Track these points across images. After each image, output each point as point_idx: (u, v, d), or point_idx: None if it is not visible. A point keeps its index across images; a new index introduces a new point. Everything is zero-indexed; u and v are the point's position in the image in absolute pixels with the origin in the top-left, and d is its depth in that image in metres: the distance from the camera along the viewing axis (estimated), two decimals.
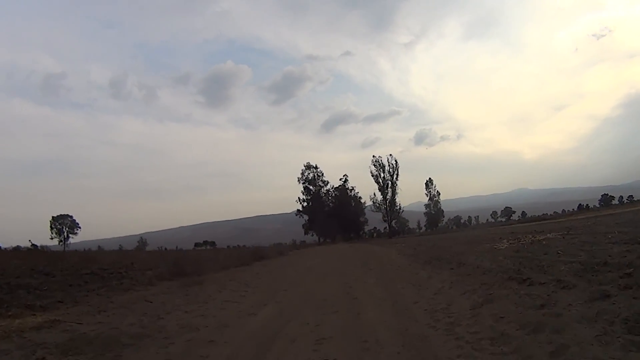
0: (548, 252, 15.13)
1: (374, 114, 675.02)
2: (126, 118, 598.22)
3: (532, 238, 22.55)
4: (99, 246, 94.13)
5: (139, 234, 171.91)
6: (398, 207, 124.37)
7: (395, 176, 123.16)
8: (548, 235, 23.18)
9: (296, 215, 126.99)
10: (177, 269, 22.00)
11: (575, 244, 15.96)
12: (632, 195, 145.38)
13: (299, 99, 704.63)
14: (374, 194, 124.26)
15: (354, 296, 13.82)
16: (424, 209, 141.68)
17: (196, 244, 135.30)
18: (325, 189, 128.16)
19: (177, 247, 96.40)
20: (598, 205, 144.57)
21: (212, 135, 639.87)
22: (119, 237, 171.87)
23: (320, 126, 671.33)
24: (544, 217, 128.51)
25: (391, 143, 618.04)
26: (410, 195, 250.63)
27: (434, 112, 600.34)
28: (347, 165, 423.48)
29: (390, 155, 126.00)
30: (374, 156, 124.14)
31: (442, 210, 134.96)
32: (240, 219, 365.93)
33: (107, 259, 26.71)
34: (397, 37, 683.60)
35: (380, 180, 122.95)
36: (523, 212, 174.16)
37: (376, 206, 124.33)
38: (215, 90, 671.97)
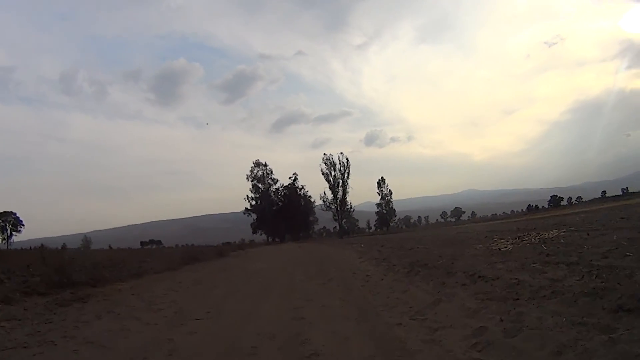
0: (608, 254, 10.63)
1: (325, 115, 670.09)
2: (76, 114, 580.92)
3: (540, 236, 18.20)
4: (41, 244, 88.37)
5: (87, 232, 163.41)
6: (349, 207, 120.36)
7: (346, 175, 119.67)
8: (553, 232, 19.25)
9: (244, 213, 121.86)
10: (62, 278, 15.29)
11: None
12: (580, 197, 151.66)
13: (250, 98, 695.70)
14: (324, 192, 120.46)
15: (310, 341, 7.77)
16: (373, 209, 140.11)
17: (142, 243, 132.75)
18: (274, 187, 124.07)
19: (109, 246, 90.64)
20: (547, 206, 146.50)
21: (163, 133, 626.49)
22: (66, 235, 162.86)
23: (271, 126, 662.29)
24: (495, 217, 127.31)
25: (342, 144, 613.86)
26: (359, 195, 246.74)
27: (385, 113, 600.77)
28: (297, 165, 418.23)
29: (342, 153, 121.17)
30: (325, 154, 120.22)
31: (394, 210, 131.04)
32: (191, 217, 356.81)
33: None
34: (351, 38, 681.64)
35: (331, 179, 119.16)
36: (473, 212, 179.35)
37: (326, 205, 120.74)
38: (166, 88, 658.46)
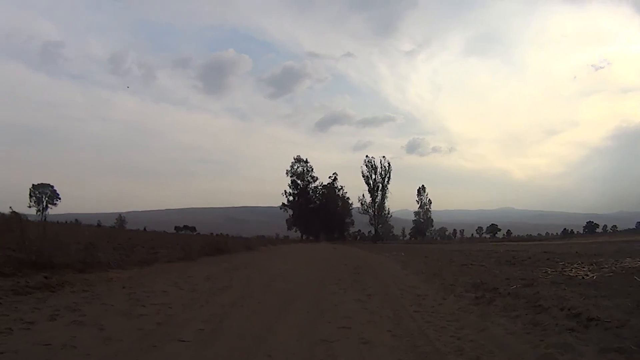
0: None
1: (369, 118, 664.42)
2: (122, 95, 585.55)
3: (619, 264, 16.21)
4: (76, 219, 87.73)
5: (124, 212, 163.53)
6: (386, 212, 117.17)
7: (386, 179, 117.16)
8: (627, 260, 17.27)
9: (281, 208, 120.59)
10: (39, 257, 12.16)
11: None
12: (615, 225, 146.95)
13: (295, 95, 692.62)
14: (363, 195, 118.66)
15: None
16: (409, 217, 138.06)
17: (176, 228, 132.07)
18: (313, 185, 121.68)
19: (144, 228, 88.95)
20: (582, 232, 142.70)
21: (206, 121, 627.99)
22: (102, 213, 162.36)
23: (315, 124, 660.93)
24: (531, 238, 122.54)
25: (383, 148, 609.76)
26: (396, 202, 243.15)
27: (429, 122, 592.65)
28: (337, 166, 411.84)
29: (384, 157, 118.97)
30: (367, 156, 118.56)
31: (432, 220, 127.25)
32: (228, 207, 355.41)
33: None
34: (400, 44, 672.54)
35: (371, 182, 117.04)
36: (508, 230, 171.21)
37: (364, 208, 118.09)
38: (214, 77, 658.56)
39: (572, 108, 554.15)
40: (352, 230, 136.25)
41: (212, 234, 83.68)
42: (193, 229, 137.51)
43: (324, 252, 39.42)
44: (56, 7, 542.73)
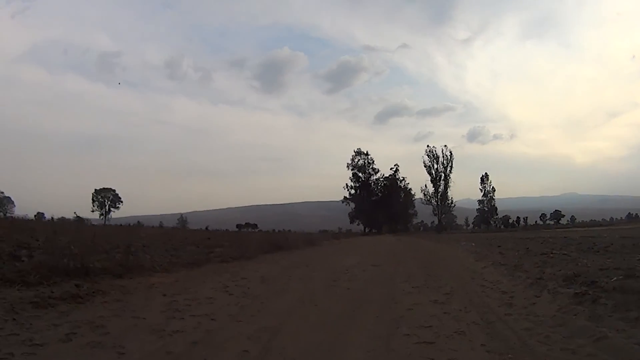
0: None
1: (427, 108, 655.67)
2: (180, 98, 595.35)
3: None
4: (138, 221, 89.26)
5: (186, 212, 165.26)
6: (449, 201, 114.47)
7: (449, 168, 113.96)
8: None
9: (342, 202, 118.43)
10: (70, 262, 10.74)
11: None
12: None
13: (353, 89, 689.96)
14: (425, 185, 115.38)
15: None
16: (472, 206, 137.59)
17: (238, 226, 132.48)
18: (374, 177, 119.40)
19: (206, 227, 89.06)
20: None
21: (265, 120, 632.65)
22: (165, 214, 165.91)
23: (374, 117, 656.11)
24: (595, 224, 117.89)
25: (444, 138, 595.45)
26: (459, 191, 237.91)
27: (488, 110, 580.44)
28: (398, 157, 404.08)
29: (445, 146, 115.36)
30: (428, 146, 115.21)
31: (496, 208, 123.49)
32: (289, 203, 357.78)
33: None
34: (455, 32, 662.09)
35: (433, 172, 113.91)
36: (572, 216, 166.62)
37: (426, 199, 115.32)
38: (270, 76, 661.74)
39: (633, 88, 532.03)
40: (415, 221, 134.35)
41: (274, 230, 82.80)
42: (255, 226, 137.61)
43: (388, 245, 37.64)
44: (110, 19, 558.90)
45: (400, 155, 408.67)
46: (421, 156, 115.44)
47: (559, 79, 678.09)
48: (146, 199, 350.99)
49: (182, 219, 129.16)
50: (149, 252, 16.13)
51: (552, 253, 17.42)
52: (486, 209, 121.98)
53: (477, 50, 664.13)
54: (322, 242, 39.16)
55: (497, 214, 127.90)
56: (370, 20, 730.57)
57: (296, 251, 27.20)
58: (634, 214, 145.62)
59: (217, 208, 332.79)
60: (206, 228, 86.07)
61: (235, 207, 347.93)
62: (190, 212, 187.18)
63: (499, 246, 23.53)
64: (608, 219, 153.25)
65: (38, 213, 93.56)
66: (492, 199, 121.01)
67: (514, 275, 12.90)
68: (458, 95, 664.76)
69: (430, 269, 15.96)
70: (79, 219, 77.95)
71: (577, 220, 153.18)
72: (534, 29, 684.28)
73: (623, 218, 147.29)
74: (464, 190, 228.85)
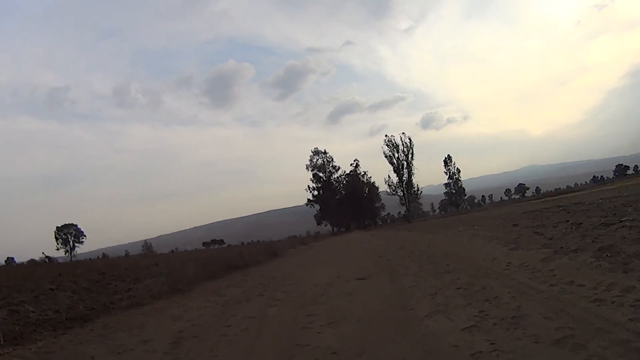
0: None
1: (378, 102, 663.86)
2: (133, 125, 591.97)
3: None
4: (103, 254, 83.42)
5: (153, 238, 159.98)
6: (416, 189, 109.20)
7: (410, 155, 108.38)
8: None
9: (306, 205, 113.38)
10: None
11: None
12: None
13: (303, 92, 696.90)
14: (389, 176, 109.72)
15: None
16: (435, 192, 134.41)
17: (204, 244, 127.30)
18: (336, 175, 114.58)
19: (172, 250, 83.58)
20: (612, 177, 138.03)
21: (219, 134, 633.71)
22: (132, 243, 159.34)
23: (327, 117, 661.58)
24: (561, 192, 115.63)
25: (398, 129, 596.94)
26: (420, 179, 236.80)
27: (439, 95, 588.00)
28: (356, 154, 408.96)
29: (403, 133, 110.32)
30: (386, 135, 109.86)
31: (464, 189, 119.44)
32: (255, 214, 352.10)
33: None
34: (397, 23, 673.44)
35: (395, 161, 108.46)
36: (537, 187, 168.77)
37: (392, 189, 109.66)
38: (219, 90, 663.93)
39: (581, 54, 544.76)
40: (382, 214, 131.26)
41: (242, 243, 77.97)
42: (221, 242, 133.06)
43: (366, 244, 31.15)
44: (53, 54, 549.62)
45: (357, 151, 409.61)
46: (380, 147, 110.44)
47: (504, 55, 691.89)
48: (111, 229, 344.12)
49: (147, 245, 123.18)
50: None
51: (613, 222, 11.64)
52: (454, 191, 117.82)
53: (421, 37, 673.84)
54: (287, 251, 32.79)
55: (465, 195, 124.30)
56: (312, 22, 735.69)
57: (254, 269, 20.89)
58: (599, 176, 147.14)
59: (184, 229, 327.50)
60: (172, 251, 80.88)
61: (202, 225, 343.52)
62: (157, 237, 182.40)
63: (515, 225, 17.43)
64: (572, 185, 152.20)
65: (8, 258, 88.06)
66: (458, 180, 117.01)
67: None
68: (407, 85, 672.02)
69: (458, 280, 9.87)
70: (48, 259, 74.11)
71: (542, 191, 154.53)
72: (474, 8, 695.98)
73: (588, 182, 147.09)
74: (425, 177, 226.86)
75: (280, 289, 12.61)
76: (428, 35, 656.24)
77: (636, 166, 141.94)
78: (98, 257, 74.21)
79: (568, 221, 14.24)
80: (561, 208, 21.29)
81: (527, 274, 8.90)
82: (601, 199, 23.26)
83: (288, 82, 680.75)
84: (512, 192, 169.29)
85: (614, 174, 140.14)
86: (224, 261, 20.68)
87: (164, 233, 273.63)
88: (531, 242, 12.11)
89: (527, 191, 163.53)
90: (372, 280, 11.87)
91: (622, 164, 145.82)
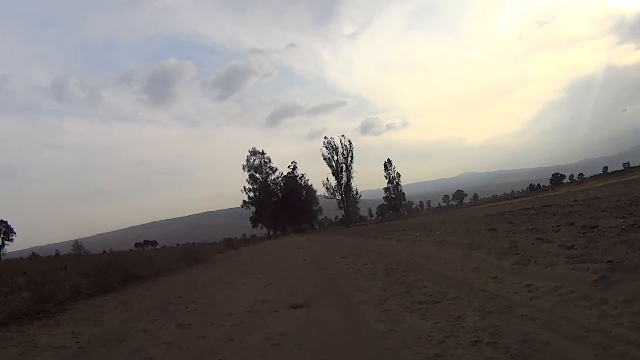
0: None
1: (319, 105, 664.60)
2: (70, 120, 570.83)
3: None
4: (33, 253, 79.33)
5: (88, 237, 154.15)
6: (355, 192, 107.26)
7: (349, 159, 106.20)
8: None
9: (242, 206, 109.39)
10: None
11: None
12: (582, 174, 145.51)
13: (243, 93, 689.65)
14: (327, 179, 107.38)
15: None
16: (373, 197, 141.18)
17: (137, 244, 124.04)
18: (273, 177, 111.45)
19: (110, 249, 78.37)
20: (548, 185, 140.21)
21: (158, 133, 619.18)
22: (65, 242, 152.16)
23: (266, 119, 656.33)
24: (498, 199, 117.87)
25: (338, 133, 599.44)
26: (358, 183, 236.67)
27: (379, 101, 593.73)
28: (294, 157, 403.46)
29: (343, 136, 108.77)
30: (325, 137, 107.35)
31: (403, 193, 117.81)
32: (192, 215, 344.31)
33: None
34: (341, 28, 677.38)
35: (334, 164, 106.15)
36: (475, 194, 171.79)
37: (330, 192, 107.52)
38: (159, 88, 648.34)
39: (521, 66, 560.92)
40: (319, 217, 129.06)
41: (178, 244, 78.41)
42: (154, 243, 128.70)
43: (302, 250, 27.35)
44: None
45: (296, 154, 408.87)
46: (319, 150, 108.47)
47: (447, 64, 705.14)
48: (45, 227, 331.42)
49: (77, 245, 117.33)
50: None
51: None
52: (393, 196, 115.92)
53: (364, 44, 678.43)
54: (213, 257, 27.97)
55: (405, 199, 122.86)
56: (257, 23, 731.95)
57: (163, 280, 16.23)
58: (536, 184, 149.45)
59: (119, 229, 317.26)
60: (104, 251, 75.69)
61: (138, 225, 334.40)
62: (92, 236, 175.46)
63: (492, 229, 13.40)
64: (509, 193, 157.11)
65: None
66: (398, 184, 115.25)
67: None
68: (348, 90, 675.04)
69: (461, 314, 5.94)
70: None
71: (479, 198, 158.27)
72: (419, 18, 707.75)
73: (524, 190, 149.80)
74: (363, 181, 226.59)
75: (175, 320, 8.30)
76: (371, 41, 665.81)
77: (572, 175, 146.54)
78: (21, 257, 70.12)
79: (573, 224, 10.45)
80: (539, 210, 17.58)
81: (585, 311, 5.13)
82: (576, 200, 19.96)
83: (229, 83, 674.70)
84: (450, 198, 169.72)
85: (550, 182, 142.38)
86: (126, 270, 15.92)
87: (100, 232, 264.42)
88: (542, 252, 8.18)
89: (464, 198, 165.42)
90: (313, 311, 7.74)
91: (558, 173, 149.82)
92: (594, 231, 9.02)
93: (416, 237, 17.43)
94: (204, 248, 35.04)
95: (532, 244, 9.24)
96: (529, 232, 11.02)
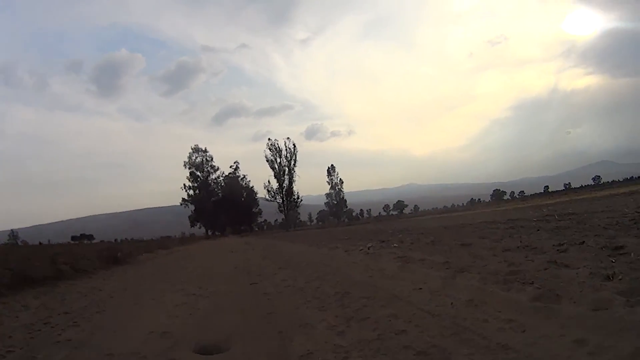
0: None
1: (266, 108, 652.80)
2: (16, 106, 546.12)
3: None
4: None
5: (27, 227, 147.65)
6: (296, 196, 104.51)
7: (293, 162, 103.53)
8: None
9: (181, 204, 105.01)
10: None
11: None
12: (523, 191, 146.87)
13: (191, 91, 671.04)
14: (269, 181, 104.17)
15: None
16: (313, 202, 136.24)
17: (73, 237, 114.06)
18: (214, 176, 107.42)
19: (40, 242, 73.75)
20: (489, 200, 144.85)
21: (103, 125, 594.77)
22: (2, 231, 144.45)
23: (212, 119, 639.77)
24: (437, 211, 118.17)
25: (283, 136, 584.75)
26: (299, 187, 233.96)
27: (326, 107, 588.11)
28: (238, 158, 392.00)
29: (288, 138, 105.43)
30: (269, 139, 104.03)
31: (345, 200, 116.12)
32: (131, 210, 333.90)
33: None
34: (294, 32, 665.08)
35: (277, 166, 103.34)
36: (415, 205, 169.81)
37: (271, 195, 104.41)
38: (108, 79, 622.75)
39: (470, 83, 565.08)
40: (259, 220, 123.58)
41: (115, 240, 70.97)
42: (91, 237, 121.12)
43: (238, 254, 24.38)
44: None
45: (240, 156, 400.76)
46: (263, 150, 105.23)
47: (396, 76, 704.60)
48: None
49: (13, 235, 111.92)
50: None
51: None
52: (335, 202, 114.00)
53: (315, 50, 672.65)
54: (138, 256, 23.86)
55: (347, 207, 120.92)
56: (210, 21, 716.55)
57: (61, 286, 12.51)
58: (477, 199, 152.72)
59: (59, 220, 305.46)
60: (40, 243, 70.83)
61: (78, 218, 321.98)
62: (31, 227, 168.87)
63: (466, 245, 10.74)
64: (449, 206, 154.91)
65: None
66: (340, 191, 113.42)
67: None
68: (296, 94, 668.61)
69: None
70: None
71: (420, 209, 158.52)
72: (372, 29, 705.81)
73: (464, 204, 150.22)
74: (304, 186, 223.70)
75: None
76: (323, 48, 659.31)
77: (512, 192, 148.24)
78: None
79: (584, 242, 7.94)
80: (508, 224, 15.14)
81: None
82: (552, 215, 17.97)
83: (177, 79, 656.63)
84: (391, 208, 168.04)
85: (491, 198, 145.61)
86: (20, 269, 12.38)
87: (40, 223, 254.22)
88: (568, 283, 5.64)
89: (405, 208, 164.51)
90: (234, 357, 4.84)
91: (499, 189, 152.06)
92: (622, 254, 6.70)
93: (368, 249, 14.66)
94: (131, 246, 31.42)
95: (545, 269, 6.60)
96: (523, 250, 8.46)
